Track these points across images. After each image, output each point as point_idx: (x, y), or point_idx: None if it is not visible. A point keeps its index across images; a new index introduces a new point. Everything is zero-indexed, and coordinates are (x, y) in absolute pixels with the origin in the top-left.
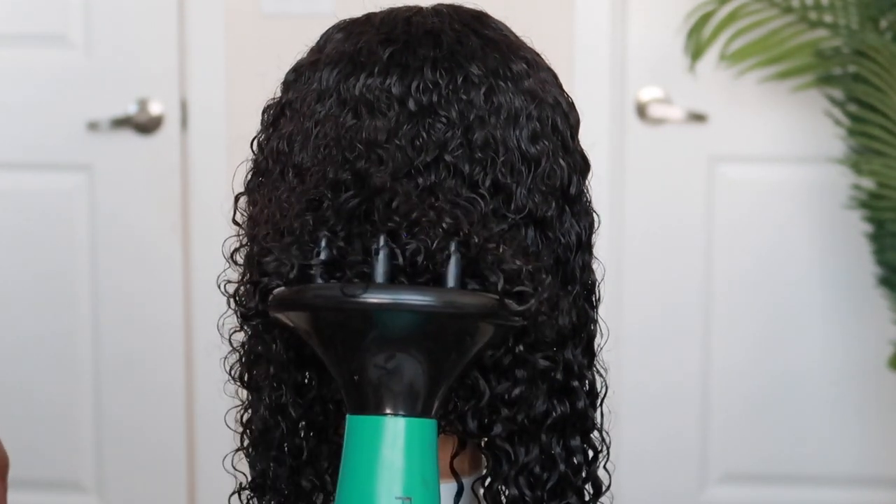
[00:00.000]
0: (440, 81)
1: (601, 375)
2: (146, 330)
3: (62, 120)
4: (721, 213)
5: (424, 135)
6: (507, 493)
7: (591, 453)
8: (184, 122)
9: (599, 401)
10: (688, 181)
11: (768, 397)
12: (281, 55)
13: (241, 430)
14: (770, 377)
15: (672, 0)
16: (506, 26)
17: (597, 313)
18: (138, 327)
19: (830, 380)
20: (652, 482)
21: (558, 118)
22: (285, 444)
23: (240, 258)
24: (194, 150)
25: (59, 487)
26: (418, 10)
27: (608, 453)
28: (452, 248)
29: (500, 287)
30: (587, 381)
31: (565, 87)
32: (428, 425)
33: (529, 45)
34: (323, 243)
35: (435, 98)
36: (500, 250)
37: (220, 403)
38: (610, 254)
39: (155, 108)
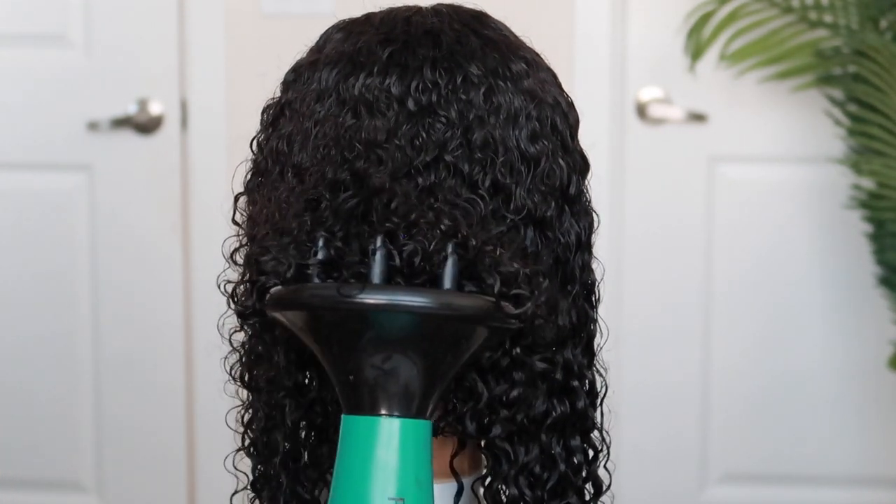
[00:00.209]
0: (440, 81)
1: (601, 375)
2: (146, 330)
3: (62, 120)
4: (721, 213)
5: (424, 135)
6: (507, 492)
7: (591, 453)
8: (184, 122)
9: (599, 400)
10: (688, 181)
11: (768, 397)
12: (281, 55)
13: (241, 430)
14: (770, 377)
15: (672, 0)
16: (505, 26)
17: (596, 313)
18: (138, 327)
19: (830, 380)
20: (652, 482)
21: (558, 118)
22: (286, 445)
23: (239, 258)
24: (194, 150)
25: (59, 487)
26: (418, 10)
27: (608, 453)
28: (450, 249)
29: (496, 289)
30: (587, 381)
31: (565, 87)
32: (423, 426)
33: (529, 44)
34: (320, 243)
35: (434, 98)
36: (498, 253)
37: (220, 403)
38: (610, 254)
39: (155, 108)
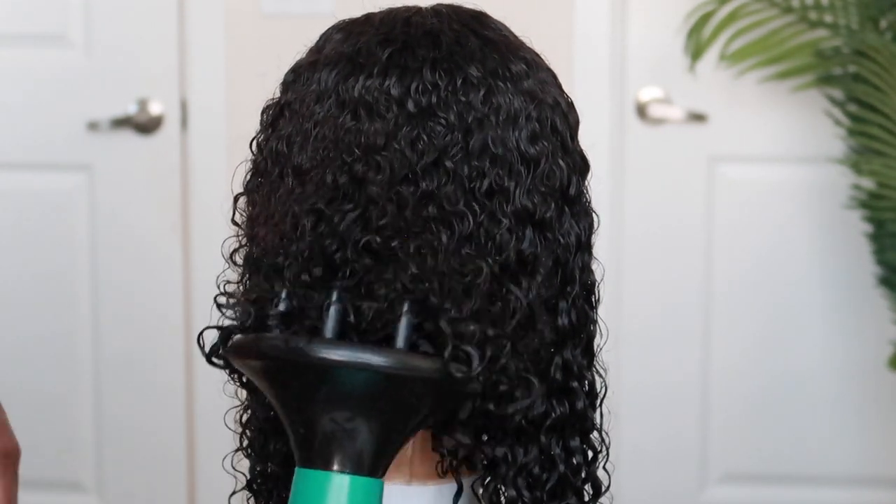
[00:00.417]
0: (439, 83)
1: (601, 376)
2: (146, 330)
3: (62, 120)
4: (721, 213)
5: (425, 137)
6: (506, 493)
7: (590, 454)
8: (184, 122)
9: (599, 401)
10: (688, 181)
11: (768, 397)
12: (281, 55)
13: (240, 430)
14: (770, 377)
15: (672, 0)
16: (505, 26)
17: (596, 314)
18: (138, 327)
19: (830, 380)
20: (652, 482)
21: (557, 118)
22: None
23: (239, 259)
24: (194, 150)
25: (59, 487)
26: (417, 11)
27: (608, 453)
28: (405, 308)
29: (448, 352)
30: (587, 382)
31: (565, 88)
32: (374, 485)
33: (529, 45)
34: (283, 295)
35: (434, 99)
36: (458, 312)
37: (220, 403)
38: (610, 254)
39: (155, 108)
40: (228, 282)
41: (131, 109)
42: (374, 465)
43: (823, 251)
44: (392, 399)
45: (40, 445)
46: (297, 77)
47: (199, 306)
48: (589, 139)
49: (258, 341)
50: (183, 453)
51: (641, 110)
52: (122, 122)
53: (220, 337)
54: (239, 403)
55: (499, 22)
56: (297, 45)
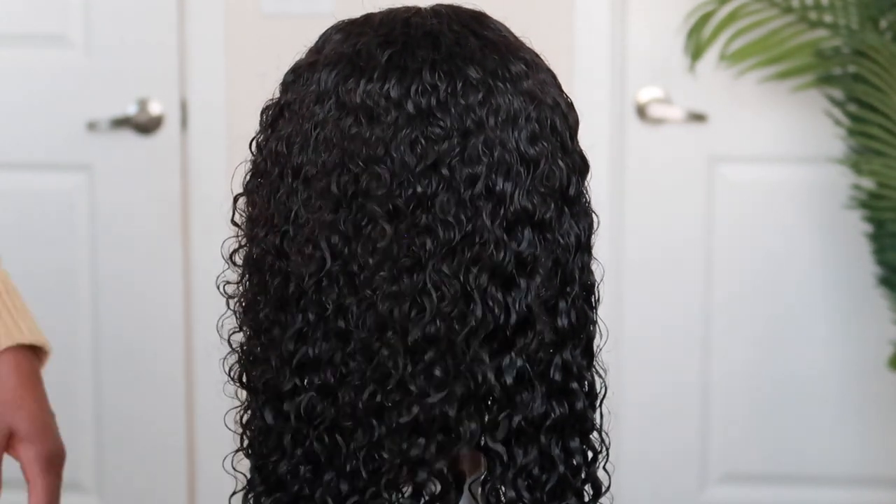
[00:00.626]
0: (439, 84)
1: (600, 376)
2: (146, 330)
3: (62, 120)
4: (721, 213)
5: (423, 140)
6: (505, 494)
7: (590, 454)
8: (184, 122)
9: (599, 402)
10: (688, 181)
11: (768, 397)
12: (281, 55)
13: (240, 430)
14: (770, 377)
15: (672, 0)
16: (505, 27)
17: (596, 314)
18: (138, 327)
19: (831, 380)
20: (652, 482)
21: (557, 119)
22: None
23: (239, 259)
24: (194, 150)
25: None
26: (417, 11)
27: (608, 454)
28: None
29: None
30: (586, 382)
31: (565, 88)
32: None
33: (529, 45)
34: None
35: (434, 101)
36: None
37: (220, 403)
38: (610, 254)
39: (155, 108)
40: (228, 282)
41: (131, 109)
42: None
43: (823, 251)
44: None
45: None
46: (296, 77)
47: (199, 306)
48: (589, 139)
49: None
50: (183, 453)
51: (641, 110)
52: (121, 122)
53: None
54: (239, 403)
55: (499, 22)
56: (297, 45)
